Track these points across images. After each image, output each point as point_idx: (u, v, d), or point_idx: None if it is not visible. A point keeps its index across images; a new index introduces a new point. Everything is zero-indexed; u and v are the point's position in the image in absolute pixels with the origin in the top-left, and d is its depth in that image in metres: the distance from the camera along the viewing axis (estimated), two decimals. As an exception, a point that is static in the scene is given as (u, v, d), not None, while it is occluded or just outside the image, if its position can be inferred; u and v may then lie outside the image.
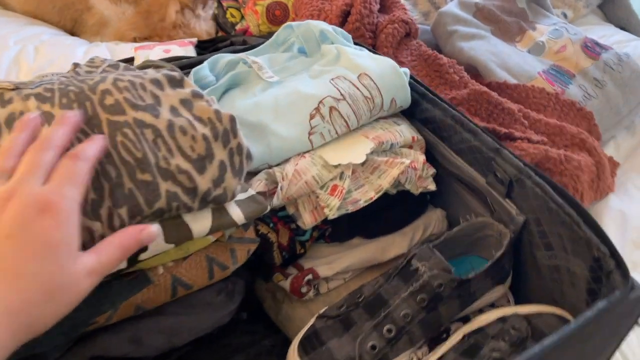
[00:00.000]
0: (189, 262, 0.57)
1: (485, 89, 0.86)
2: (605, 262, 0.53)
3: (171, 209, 0.50)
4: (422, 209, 0.76)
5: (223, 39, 1.25)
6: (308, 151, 0.66)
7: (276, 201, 0.62)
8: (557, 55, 1.06)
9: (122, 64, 0.63)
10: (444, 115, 0.68)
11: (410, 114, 0.74)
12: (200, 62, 0.73)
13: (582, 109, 0.96)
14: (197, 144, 0.51)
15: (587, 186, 0.85)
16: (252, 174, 0.65)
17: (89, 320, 0.52)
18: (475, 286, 0.63)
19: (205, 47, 1.28)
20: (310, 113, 0.65)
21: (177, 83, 0.54)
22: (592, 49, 1.05)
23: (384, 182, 0.66)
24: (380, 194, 0.66)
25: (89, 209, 0.46)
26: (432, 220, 0.76)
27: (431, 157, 0.74)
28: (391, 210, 0.72)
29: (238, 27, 1.39)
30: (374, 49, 0.94)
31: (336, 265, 0.70)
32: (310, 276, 0.70)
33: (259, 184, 0.62)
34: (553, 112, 0.95)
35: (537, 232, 0.62)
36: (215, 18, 1.48)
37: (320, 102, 0.66)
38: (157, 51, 1.18)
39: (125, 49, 1.29)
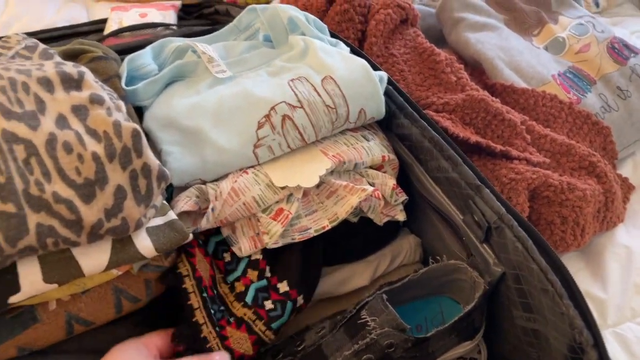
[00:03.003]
0: (89, 296, 0.48)
1: (484, 95, 0.74)
2: (587, 351, 0.42)
3: (45, 245, 0.40)
4: (392, 237, 0.65)
5: (209, 5, 1.13)
6: (252, 166, 0.55)
7: (205, 224, 0.52)
8: (577, 55, 0.92)
9: (42, 47, 0.53)
10: (422, 136, 0.57)
11: (386, 125, 0.63)
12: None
13: (599, 122, 0.83)
14: (84, 165, 0.40)
15: (591, 218, 0.73)
16: (182, 189, 0.54)
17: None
18: (436, 345, 0.53)
19: (190, 12, 1.16)
20: (259, 121, 0.54)
21: (73, 84, 0.43)
22: (619, 51, 0.91)
23: (341, 210, 0.55)
24: (335, 224, 0.55)
25: None
26: (403, 248, 0.66)
27: (406, 178, 0.62)
28: (353, 239, 0.62)
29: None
30: (363, 36, 0.82)
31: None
32: None
33: (186, 202, 0.52)
34: (564, 125, 0.82)
35: (515, 290, 0.51)
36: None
37: (272, 108, 0.54)
38: (132, 14, 1.07)
39: (104, 8, 1.17)
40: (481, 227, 0.52)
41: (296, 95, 0.55)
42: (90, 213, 0.40)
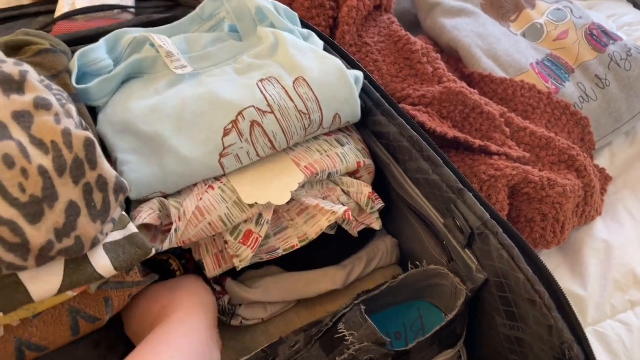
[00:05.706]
0: (42, 319, 0.44)
1: (461, 87, 0.71)
2: (578, 366, 0.40)
3: (-13, 273, 0.35)
4: (367, 240, 0.63)
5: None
6: (217, 178, 0.51)
7: (168, 245, 0.48)
8: (556, 42, 0.90)
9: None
10: (400, 135, 0.53)
11: (362, 122, 0.59)
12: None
13: (577, 113, 0.81)
14: (29, 180, 0.36)
15: (571, 214, 0.71)
16: (141, 203, 0.50)
17: None
18: (417, 357, 0.50)
19: (153, -5, 1.10)
20: (225, 127, 0.50)
21: (14, 86, 0.38)
22: (598, 38, 0.89)
23: (311, 231, 0.52)
24: (304, 244, 0.52)
25: None
26: (379, 251, 0.63)
27: (383, 177, 0.59)
28: (327, 246, 0.58)
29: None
30: (335, 23, 0.78)
31: (249, 292, 0.58)
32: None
33: (149, 214, 0.48)
34: (543, 116, 0.80)
35: (499, 298, 0.49)
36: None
37: (240, 113, 0.50)
38: (84, -5, 0.99)
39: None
40: (464, 232, 0.49)
41: (266, 98, 0.51)
42: (37, 235, 0.36)
